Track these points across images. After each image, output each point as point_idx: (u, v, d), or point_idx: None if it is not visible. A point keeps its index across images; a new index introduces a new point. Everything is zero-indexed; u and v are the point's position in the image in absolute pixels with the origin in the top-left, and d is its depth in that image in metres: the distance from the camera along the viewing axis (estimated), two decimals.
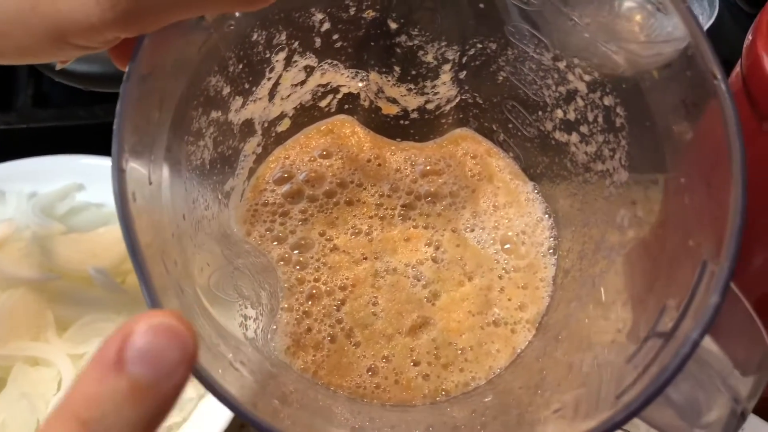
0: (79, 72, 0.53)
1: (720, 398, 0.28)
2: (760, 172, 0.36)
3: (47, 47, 0.24)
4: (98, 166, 0.51)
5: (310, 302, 0.35)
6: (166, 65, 0.26)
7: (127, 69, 0.24)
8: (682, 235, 0.27)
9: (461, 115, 0.40)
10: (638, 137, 0.31)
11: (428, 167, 0.40)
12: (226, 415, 0.44)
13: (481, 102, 0.39)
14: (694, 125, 0.27)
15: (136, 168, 0.24)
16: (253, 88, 0.34)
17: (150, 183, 0.26)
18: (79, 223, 0.50)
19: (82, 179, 0.51)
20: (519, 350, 0.35)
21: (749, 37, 0.36)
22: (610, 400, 0.24)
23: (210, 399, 0.42)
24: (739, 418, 0.28)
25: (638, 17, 0.30)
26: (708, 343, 0.27)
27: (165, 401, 0.19)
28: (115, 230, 0.49)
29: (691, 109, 0.26)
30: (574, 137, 0.35)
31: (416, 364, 0.34)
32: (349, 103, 0.40)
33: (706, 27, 0.56)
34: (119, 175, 0.23)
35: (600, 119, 0.33)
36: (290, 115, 0.38)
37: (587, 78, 0.33)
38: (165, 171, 0.27)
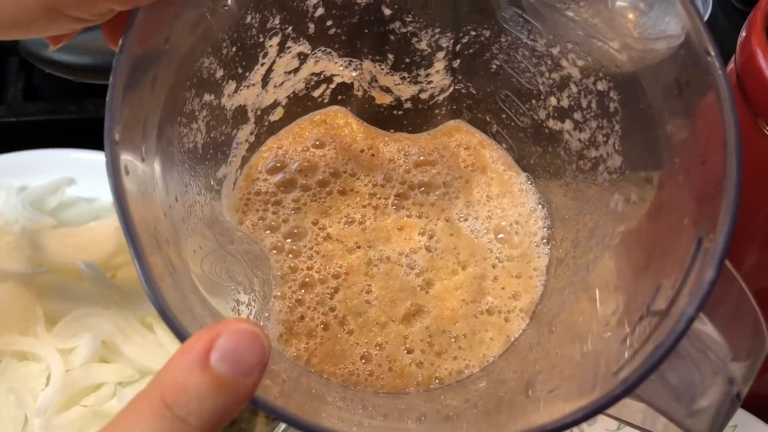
0: (71, 63, 0.53)
1: (716, 381, 0.27)
2: (755, 169, 0.36)
3: (40, 18, 0.24)
4: (89, 161, 0.51)
5: (303, 290, 0.35)
6: (159, 42, 0.26)
7: (120, 42, 0.23)
8: (677, 214, 0.27)
9: (455, 106, 0.40)
10: (632, 120, 0.31)
11: (421, 158, 0.40)
12: None
13: (474, 92, 0.39)
14: (688, 104, 0.27)
15: (128, 142, 0.24)
16: (247, 73, 0.34)
17: (142, 160, 0.25)
18: (69, 217, 0.50)
19: (72, 173, 0.51)
20: (513, 338, 0.35)
21: (743, 33, 0.37)
22: (606, 377, 0.24)
23: None
24: (734, 400, 0.28)
25: (631, 15, 0.30)
26: (705, 326, 0.27)
27: (240, 396, 0.21)
28: (105, 225, 0.48)
29: (684, 88, 0.26)
30: (568, 125, 0.35)
31: (410, 351, 0.34)
32: (343, 94, 0.40)
33: None
34: (111, 147, 0.22)
35: (594, 105, 0.33)
36: (283, 104, 0.38)
37: (581, 63, 0.33)
38: (157, 150, 0.27)
